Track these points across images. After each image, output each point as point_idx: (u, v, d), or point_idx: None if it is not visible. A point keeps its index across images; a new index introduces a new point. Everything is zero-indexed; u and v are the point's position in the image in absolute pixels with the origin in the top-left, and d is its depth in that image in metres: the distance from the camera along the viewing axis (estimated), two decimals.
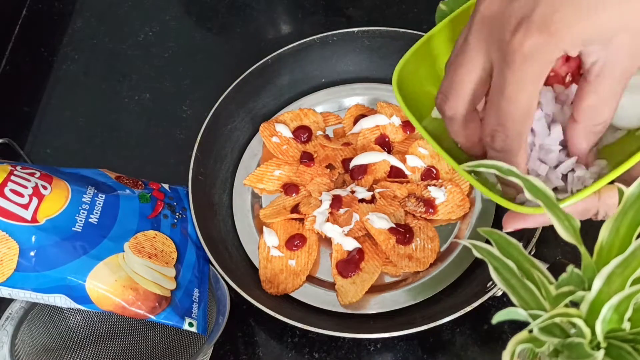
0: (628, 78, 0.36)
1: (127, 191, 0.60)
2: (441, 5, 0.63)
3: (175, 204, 0.63)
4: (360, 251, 0.61)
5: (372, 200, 0.64)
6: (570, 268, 0.33)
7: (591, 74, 0.36)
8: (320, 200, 0.64)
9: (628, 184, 0.34)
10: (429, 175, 0.65)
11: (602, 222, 0.34)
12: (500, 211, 0.64)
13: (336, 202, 0.63)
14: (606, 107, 0.37)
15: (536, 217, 0.40)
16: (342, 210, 0.63)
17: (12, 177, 0.53)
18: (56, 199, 0.54)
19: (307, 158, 0.67)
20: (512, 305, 0.33)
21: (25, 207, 0.52)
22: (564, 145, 0.41)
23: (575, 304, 0.33)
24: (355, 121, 0.70)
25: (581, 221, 0.34)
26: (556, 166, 0.41)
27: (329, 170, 0.67)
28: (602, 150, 0.42)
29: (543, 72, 0.35)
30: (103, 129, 0.76)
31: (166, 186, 0.65)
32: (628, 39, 0.34)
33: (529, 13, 0.34)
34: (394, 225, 0.62)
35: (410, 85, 0.44)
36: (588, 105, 0.37)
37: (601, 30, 0.34)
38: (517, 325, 0.33)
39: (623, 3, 0.34)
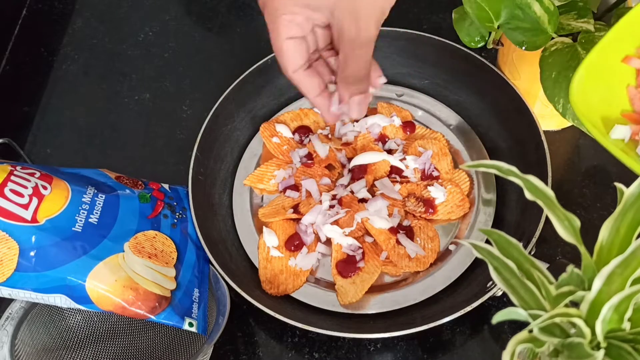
0: (360, 37, 0.44)
1: (127, 191, 0.60)
2: (454, 13, 0.63)
3: (175, 204, 0.63)
4: (360, 251, 0.61)
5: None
6: (570, 268, 0.33)
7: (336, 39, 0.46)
8: (320, 201, 0.64)
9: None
10: (429, 175, 0.65)
11: (602, 222, 0.34)
12: (500, 211, 0.64)
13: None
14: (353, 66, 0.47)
15: None
16: (342, 211, 0.63)
17: (12, 177, 0.53)
18: (56, 199, 0.54)
19: (307, 158, 0.67)
20: (512, 305, 0.33)
21: (25, 207, 0.52)
22: None
23: (575, 304, 0.33)
24: (356, 121, 0.70)
25: (581, 221, 0.34)
26: None
27: (328, 170, 0.67)
28: None
29: (279, 26, 0.45)
30: (103, 129, 0.76)
31: (166, 186, 0.64)
32: (338, 13, 0.43)
33: None
34: (394, 225, 0.62)
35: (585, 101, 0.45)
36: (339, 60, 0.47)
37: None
38: (517, 325, 0.33)
39: None
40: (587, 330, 0.32)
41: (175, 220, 0.61)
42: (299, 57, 0.47)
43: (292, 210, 0.64)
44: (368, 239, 0.62)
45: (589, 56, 0.46)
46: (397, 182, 0.65)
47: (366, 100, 0.50)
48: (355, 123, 0.70)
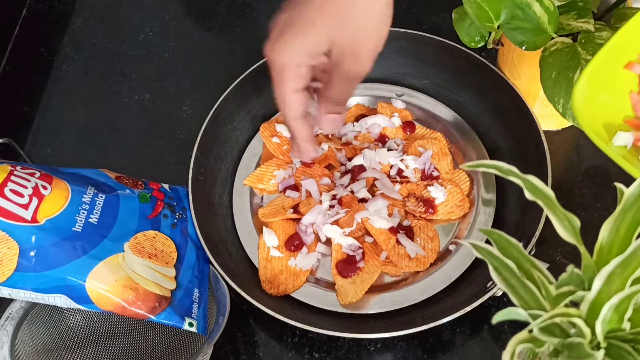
0: (360, 73, 0.48)
1: (127, 191, 0.60)
2: (454, 13, 0.63)
3: (175, 204, 0.63)
4: (360, 251, 0.61)
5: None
6: (570, 268, 0.33)
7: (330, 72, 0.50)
8: (320, 201, 0.64)
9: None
10: (429, 175, 0.65)
11: (602, 222, 0.34)
12: (500, 211, 0.64)
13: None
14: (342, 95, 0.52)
15: None
16: (342, 211, 0.63)
17: (12, 177, 0.53)
18: (56, 199, 0.54)
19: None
20: (512, 305, 0.33)
21: (25, 207, 0.52)
22: None
23: (575, 304, 0.33)
24: (356, 121, 0.70)
25: (581, 221, 0.34)
26: None
27: (328, 170, 0.67)
28: None
29: (286, 80, 0.48)
30: (103, 129, 0.76)
31: (166, 186, 0.64)
32: (339, 50, 0.46)
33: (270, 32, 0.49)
34: (394, 225, 0.62)
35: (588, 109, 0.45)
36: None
37: (315, 45, 0.46)
38: (517, 325, 0.33)
39: (325, 21, 0.45)
40: (587, 330, 0.32)
41: (175, 220, 0.61)
42: (300, 107, 0.51)
43: (292, 210, 0.64)
44: (368, 239, 0.62)
45: (591, 62, 0.46)
46: (397, 182, 0.65)
47: (341, 119, 0.55)
48: (355, 123, 0.70)
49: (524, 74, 0.66)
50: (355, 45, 0.47)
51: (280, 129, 0.69)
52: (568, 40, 0.58)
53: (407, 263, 0.61)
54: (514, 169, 0.34)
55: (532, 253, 0.58)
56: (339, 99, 0.52)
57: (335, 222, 0.62)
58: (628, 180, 0.35)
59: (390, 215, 0.63)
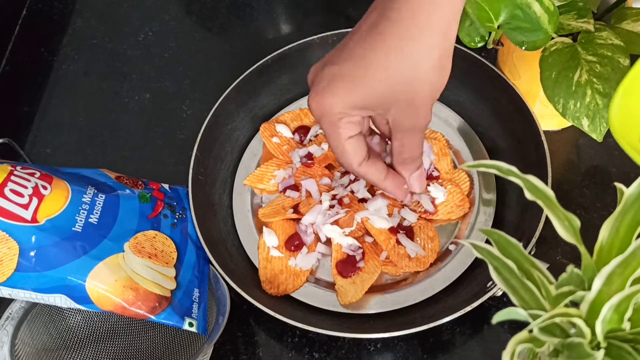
0: (419, 125, 0.47)
1: (127, 191, 0.60)
2: None
3: (175, 204, 0.63)
4: (360, 251, 0.61)
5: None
6: (570, 268, 0.33)
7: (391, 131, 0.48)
8: (320, 201, 0.64)
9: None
10: (429, 175, 0.65)
11: (602, 222, 0.34)
12: (500, 211, 0.64)
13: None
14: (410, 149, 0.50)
15: None
16: (342, 211, 0.63)
17: (12, 177, 0.53)
18: (56, 199, 0.54)
19: (307, 158, 0.67)
20: (512, 305, 0.33)
21: (25, 207, 0.52)
22: None
23: (575, 304, 0.33)
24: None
25: (581, 221, 0.34)
26: None
27: (328, 170, 0.67)
28: None
29: (338, 129, 0.47)
30: (103, 129, 0.76)
31: (166, 186, 0.65)
32: (401, 107, 0.45)
33: (313, 85, 0.47)
34: (394, 225, 0.62)
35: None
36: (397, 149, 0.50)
37: (374, 100, 0.45)
38: (517, 325, 0.33)
39: (389, 79, 0.44)
40: (587, 330, 0.32)
41: (175, 220, 0.61)
42: (360, 152, 0.49)
43: (292, 210, 0.64)
44: (368, 239, 0.62)
45: (629, 74, 0.45)
46: None
47: (424, 173, 0.54)
48: None
49: (524, 74, 0.66)
50: (418, 102, 0.45)
51: (280, 129, 0.69)
52: (568, 40, 0.58)
53: (407, 263, 0.61)
54: (514, 169, 0.34)
55: (532, 253, 0.58)
56: (413, 154, 0.50)
57: (335, 222, 0.62)
58: (628, 180, 0.35)
59: (390, 215, 0.63)
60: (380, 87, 0.44)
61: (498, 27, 0.58)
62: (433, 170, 0.65)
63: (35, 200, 0.53)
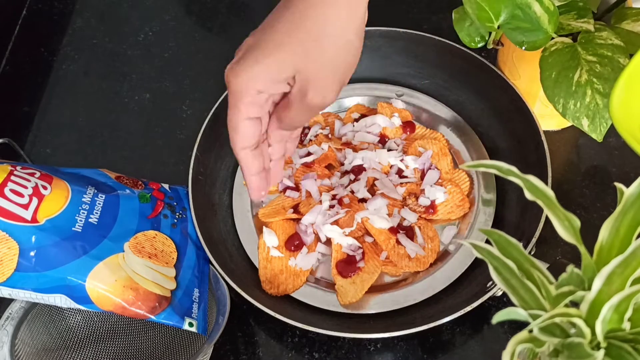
0: (311, 102, 0.45)
1: (127, 191, 0.60)
2: (454, 13, 0.63)
3: (175, 204, 0.63)
4: (360, 251, 0.61)
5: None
6: (570, 268, 0.33)
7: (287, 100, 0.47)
8: (320, 201, 0.64)
9: None
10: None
11: (602, 222, 0.34)
12: (500, 211, 0.64)
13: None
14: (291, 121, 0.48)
15: None
16: (342, 212, 0.63)
17: (12, 177, 0.53)
18: (56, 199, 0.54)
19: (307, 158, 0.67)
20: (512, 305, 0.33)
21: (25, 207, 0.52)
22: None
23: (575, 304, 0.33)
24: (356, 121, 0.70)
25: (581, 221, 0.34)
26: None
27: (328, 170, 0.67)
28: None
29: (240, 105, 0.46)
30: (103, 129, 0.76)
31: (166, 186, 0.64)
32: (303, 79, 0.44)
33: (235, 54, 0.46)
34: (394, 225, 0.62)
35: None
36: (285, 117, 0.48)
37: (278, 70, 0.44)
38: (517, 325, 0.33)
39: (292, 46, 0.43)
40: (587, 330, 0.32)
41: (175, 220, 0.61)
42: (251, 137, 0.48)
43: (292, 210, 0.64)
44: (368, 239, 0.62)
45: (630, 64, 0.45)
46: (398, 184, 0.65)
47: (285, 144, 0.53)
48: (355, 123, 0.70)
49: (524, 74, 0.66)
50: (321, 76, 0.44)
51: None
52: (568, 40, 0.58)
53: (407, 263, 0.61)
54: (514, 169, 0.34)
55: (532, 253, 0.58)
56: (293, 124, 0.49)
57: (335, 222, 0.62)
58: (628, 180, 0.35)
59: (390, 215, 0.63)
60: (283, 54, 0.43)
61: (498, 27, 0.58)
62: (432, 167, 0.65)
63: (35, 200, 0.53)
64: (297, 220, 0.64)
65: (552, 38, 0.57)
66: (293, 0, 0.44)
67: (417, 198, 0.64)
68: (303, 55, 0.43)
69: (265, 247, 0.62)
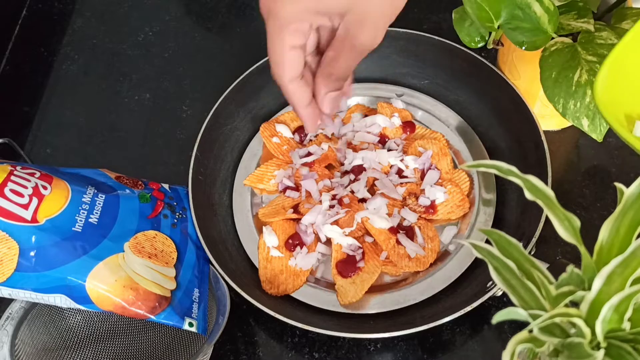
0: (364, 42, 0.44)
1: (127, 191, 0.60)
2: (454, 13, 0.63)
3: (175, 204, 0.63)
4: (360, 251, 0.61)
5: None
6: (570, 268, 0.33)
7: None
8: (320, 201, 0.64)
9: None
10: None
11: (602, 222, 0.34)
12: (500, 211, 0.64)
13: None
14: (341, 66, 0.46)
15: None
16: (342, 211, 0.63)
17: (12, 177, 0.53)
18: (56, 199, 0.54)
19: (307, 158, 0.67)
20: (512, 305, 0.33)
21: (25, 207, 0.52)
22: None
23: (575, 304, 0.33)
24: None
25: (581, 221, 0.34)
26: None
27: (328, 170, 0.67)
28: None
29: (283, 34, 0.43)
30: (103, 129, 0.76)
31: (166, 186, 0.64)
32: (354, 18, 0.42)
33: None
34: (394, 225, 0.62)
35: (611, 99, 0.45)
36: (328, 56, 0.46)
37: (331, 4, 0.42)
38: (517, 325, 0.33)
39: None
40: (587, 330, 0.32)
41: (175, 220, 0.61)
42: (297, 66, 0.46)
43: (292, 210, 0.64)
44: (368, 239, 0.62)
45: (613, 52, 0.45)
46: (399, 185, 0.65)
47: (339, 98, 0.50)
48: (355, 124, 0.70)
49: (524, 74, 0.66)
50: (373, 15, 0.42)
51: (280, 129, 0.69)
52: (568, 40, 0.58)
53: (407, 263, 0.61)
54: (514, 169, 0.34)
55: (532, 253, 0.58)
56: (342, 73, 0.47)
57: (335, 222, 0.62)
58: (628, 180, 0.35)
59: (390, 215, 0.63)
60: None
61: (498, 27, 0.58)
62: (432, 167, 0.65)
63: (35, 200, 0.53)
64: (297, 220, 0.64)
65: (552, 38, 0.57)
66: None
67: (417, 198, 0.64)
68: None
69: (265, 247, 0.62)
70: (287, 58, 0.45)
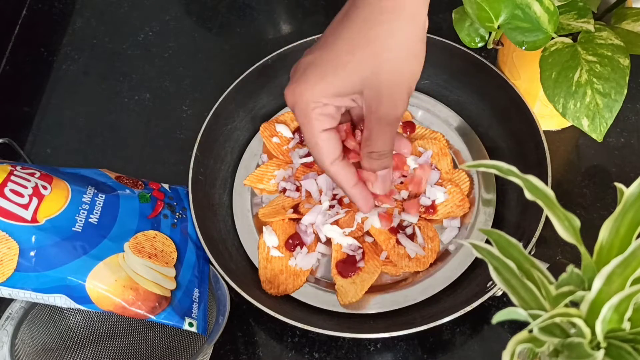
0: (387, 114, 0.45)
1: (127, 191, 0.60)
2: (454, 13, 0.63)
3: (175, 204, 0.63)
4: (360, 251, 0.61)
5: None
6: (570, 268, 0.33)
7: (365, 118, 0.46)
8: (320, 201, 0.64)
9: None
10: None
11: (602, 222, 0.34)
12: (500, 211, 0.64)
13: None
14: (378, 142, 0.48)
15: None
16: (342, 211, 0.63)
17: (12, 177, 0.53)
18: (56, 199, 0.54)
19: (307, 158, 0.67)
20: (512, 305, 0.33)
21: (25, 207, 0.52)
22: None
23: (575, 304, 0.33)
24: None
25: (581, 221, 0.34)
26: None
27: None
28: None
29: (312, 120, 0.46)
30: (103, 129, 0.76)
31: (166, 186, 0.65)
32: (373, 93, 0.44)
33: (291, 76, 0.46)
34: (394, 225, 0.62)
35: None
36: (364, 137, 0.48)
37: (344, 87, 0.44)
38: (517, 325, 0.33)
39: (356, 64, 0.43)
40: (587, 330, 0.32)
41: (175, 220, 0.61)
42: (334, 149, 0.48)
43: (292, 210, 0.64)
44: (368, 239, 0.62)
45: None
46: (399, 185, 0.65)
47: (389, 175, 0.51)
48: None
49: (524, 74, 0.66)
50: (389, 90, 0.44)
51: (280, 129, 0.69)
52: (568, 40, 0.58)
53: (407, 263, 0.61)
54: (514, 169, 0.34)
55: (532, 253, 0.58)
56: (381, 148, 0.48)
57: (335, 222, 0.62)
58: (628, 180, 0.35)
59: (390, 215, 0.63)
60: (348, 72, 0.44)
61: (498, 27, 0.58)
62: (432, 167, 0.65)
63: (35, 200, 0.53)
64: (297, 220, 0.64)
65: (552, 38, 0.57)
66: (350, 15, 0.44)
67: (416, 197, 0.64)
68: (369, 72, 0.43)
69: (265, 247, 0.62)
70: (320, 141, 0.47)
